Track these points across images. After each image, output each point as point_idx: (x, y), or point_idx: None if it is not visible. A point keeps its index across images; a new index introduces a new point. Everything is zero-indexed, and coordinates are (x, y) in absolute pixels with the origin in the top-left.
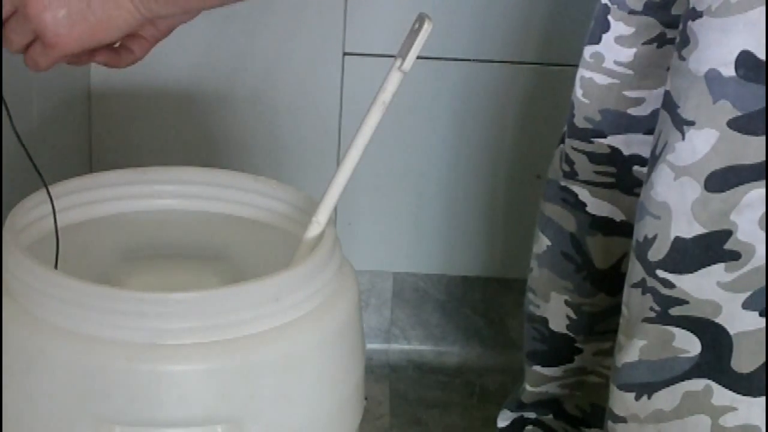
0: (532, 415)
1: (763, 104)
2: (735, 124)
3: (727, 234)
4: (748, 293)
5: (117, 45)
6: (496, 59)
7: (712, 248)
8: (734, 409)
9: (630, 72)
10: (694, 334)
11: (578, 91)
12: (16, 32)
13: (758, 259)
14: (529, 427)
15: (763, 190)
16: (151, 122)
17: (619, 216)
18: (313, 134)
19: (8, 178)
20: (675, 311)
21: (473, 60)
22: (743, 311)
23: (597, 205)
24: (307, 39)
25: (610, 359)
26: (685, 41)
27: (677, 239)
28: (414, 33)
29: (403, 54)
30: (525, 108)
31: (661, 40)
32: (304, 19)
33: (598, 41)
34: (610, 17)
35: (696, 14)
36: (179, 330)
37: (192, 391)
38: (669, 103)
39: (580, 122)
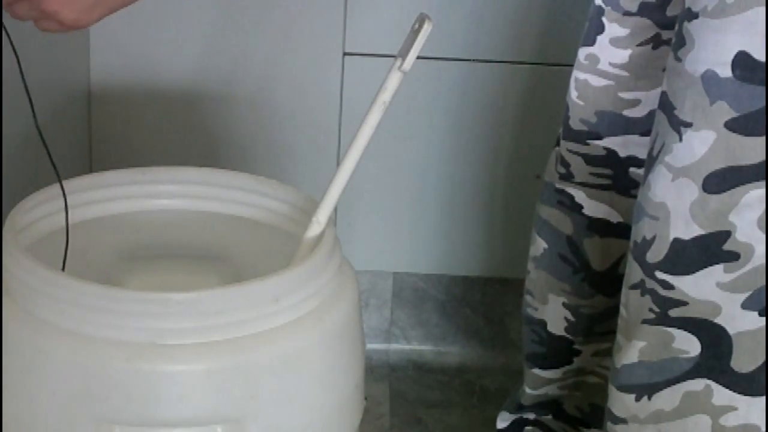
0: (531, 415)
1: (761, 105)
2: (732, 125)
3: (726, 235)
4: (748, 293)
5: None
6: (495, 59)
7: (710, 249)
8: (734, 408)
9: (625, 73)
10: (694, 334)
11: (573, 93)
12: (24, 12)
13: (757, 259)
14: (529, 428)
15: (762, 191)
16: (151, 122)
17: (615, 218)
18: (313, 134)
19: (8, 178)
20: (674, 312)
21: (472, 60)
22: (743, 311)
23: (593, 207)
24: (307, 39)
25: (609, 359)
26: (681, 42)
27: (676, 240)
28: (414, 33)
29: (403, 54)
30: (524, 108)
31: (656, 42)
32: (304, 19)
33: (592, 43)
34: (604, 19)
35: (692, 15)
36: (179, 330)
37: (192, 391)
38: (666, 105)
39: (575, 124)
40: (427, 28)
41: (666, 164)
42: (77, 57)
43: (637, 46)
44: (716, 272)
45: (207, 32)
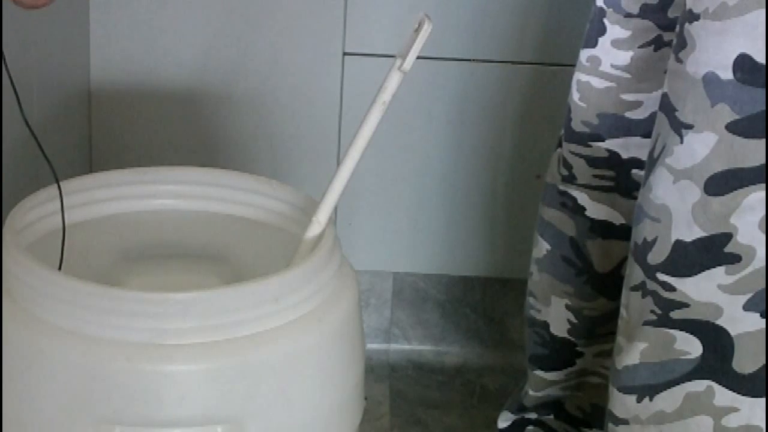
0: (533, 415)
1: (762, 107)
2: (734, 128)
3: (728, 237)
4: (749, 295)
5: None
6: (495, 59)
7: (712, 251)
8: (736, 409)
9: (627, 75)
10: (695, 336)
11: (575, 95)
12: None
13: (758, 261)
14: (530, 428)
15: (763, 193)
16: (151, 122)
17: (618, 219)
18: (313, 134)
19: (8, 178)
20: (676, 314)
21: (472, 60)
22: (744, 313)
23: (596, 209)
24: (307, 39)
25: (611, 360)
26: (683, 44)
27: (678, 242)
28: (414, 33)
29: (403, 54)
30: (524, 108)
31: (657, 43)
32: (304, 19)
33: (594, 45)
34: (605, 20)
35: (693, 17)
36: (179, 330)
37: (192, 391)
38: (667, 106)
39: (577, 126)
40: (427, 28)
41: (667, 166)
42: (77, 57)
43: (639, 47)
44: (718, 274)
45: (207, 32)
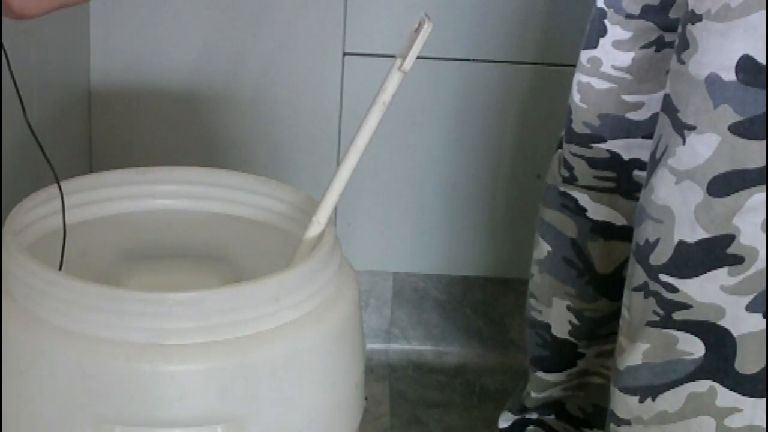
0: (533, 415)
1: (765, 108)
2: (736, 129)
3: (730, 238)
4: (752, 296)
5: None
6: (496, 59)
7: (715, 252)
8: (739, 410)
9: (628, 76)
10: (698, 337)
11: (576, 96)
12: None
13: (761, 262)
14: (531, 428)
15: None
16: (151, 122)
17: (620, 221)
18: (313, 134)
19: (8, 178)
20: (678, 315)
21: (473, 60)
22: (747, 314)
23: (597, 210)
24: (307, 39)
25: (612, 360)
26: (685, 45)
27: (681, 243)
28: (414, 33)
29: (403, 54)
30: (524, 108)
31: (659, 44)
32: (304, 19)
33: (595, 45)
34: (606, 21)
35: (695, 17)
36: (179, 330)
37: (192, 391)
38: (669, 107)
39: (578, 127)
40: (427, 28)
41: (669, 167)
42: (77, 57)
43: (640, 48)
44: (720, 275)
45: (207, 32)
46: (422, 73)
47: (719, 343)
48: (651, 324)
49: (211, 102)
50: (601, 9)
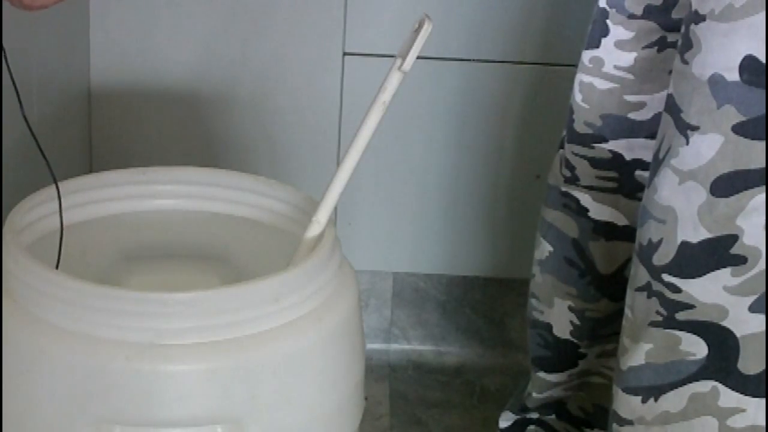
0: (534, 415)
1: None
2: (740, 129)
3: (733, 238)
4: (755, 296)
5: None
6: (496, 59)
7: (718, 252)
8: (742, 410)
9: (630, 76)
10: (701, 337)
11: (577, 96)
12: None
13: (764, 263)
14: (531, 427)
15: None
16: (151, 122)
17: (621, 221)
18: (313, 134)
19: (8, 178)
20: (681, 315)
21: (473, 60)
22: (750, 314)
23: (599, 210)
24: (307, 39)
25: (614, 360)
26: (688, 45)
27: (684, 244)
28: (414, 33)
29: (403, 54)
30: (525, 108)
31: (661, 44)
32: (304, 19)
33: (597, 46)
34: (608, 21)
35: (699, 18)
36: (179, 330)
37: (192, 391)
38: (672, 107)
39: (580, 127)
40: (427, 28)
41: (672, 167)
42: (77, 57)
43: (643, 48)
44: (723, 276)
45: (207, 32)
46: (422, 73)
47: (722, 343)
48: (654, 324)
49: (212, 102)
50: (604, 9)
